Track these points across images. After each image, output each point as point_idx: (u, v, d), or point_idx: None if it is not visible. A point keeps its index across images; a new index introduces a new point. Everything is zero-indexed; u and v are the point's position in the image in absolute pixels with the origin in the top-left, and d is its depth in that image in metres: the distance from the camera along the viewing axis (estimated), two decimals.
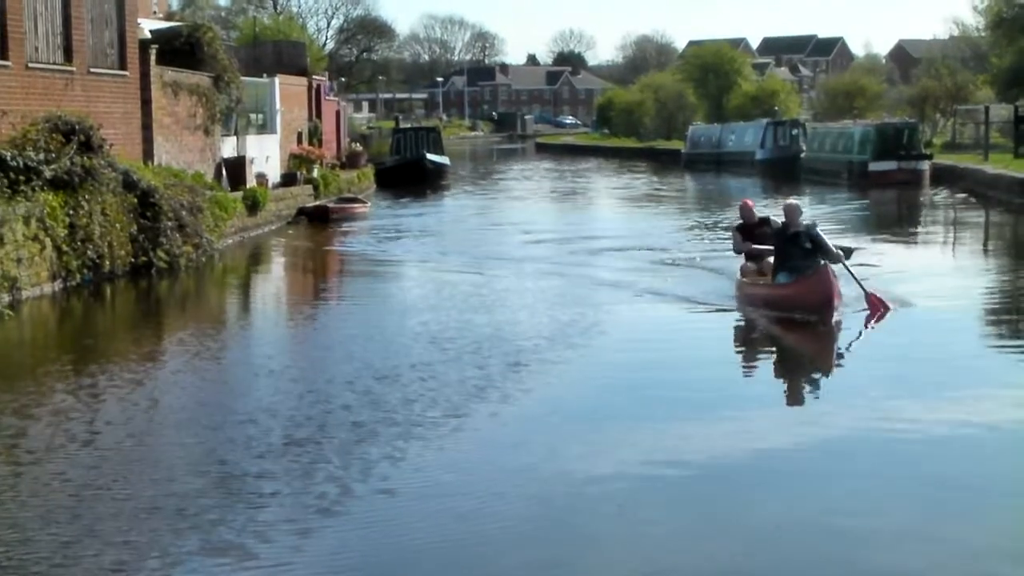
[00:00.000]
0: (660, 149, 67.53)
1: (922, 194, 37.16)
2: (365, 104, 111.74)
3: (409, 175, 44.40)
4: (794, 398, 11.11)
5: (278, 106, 33.58)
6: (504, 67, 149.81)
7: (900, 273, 17.99)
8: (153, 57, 23.46)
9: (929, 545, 6.88)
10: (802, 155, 47.91)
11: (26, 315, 15.30)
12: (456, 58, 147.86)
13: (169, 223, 19.29)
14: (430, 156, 46.26)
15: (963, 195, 35.40)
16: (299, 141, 36.04)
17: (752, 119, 58.77)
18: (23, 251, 15.84)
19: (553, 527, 7.18)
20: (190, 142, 25.56)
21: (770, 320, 14.12)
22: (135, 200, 18.82)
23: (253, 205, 25.78)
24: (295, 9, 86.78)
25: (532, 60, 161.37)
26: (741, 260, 15.83)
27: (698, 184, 47.51)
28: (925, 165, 40.40)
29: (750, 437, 8.99)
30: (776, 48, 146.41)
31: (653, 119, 78.00)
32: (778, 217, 15.40)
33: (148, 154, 22.90)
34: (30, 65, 18.97)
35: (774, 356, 13.27)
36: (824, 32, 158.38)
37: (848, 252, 15.06)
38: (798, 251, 14.24)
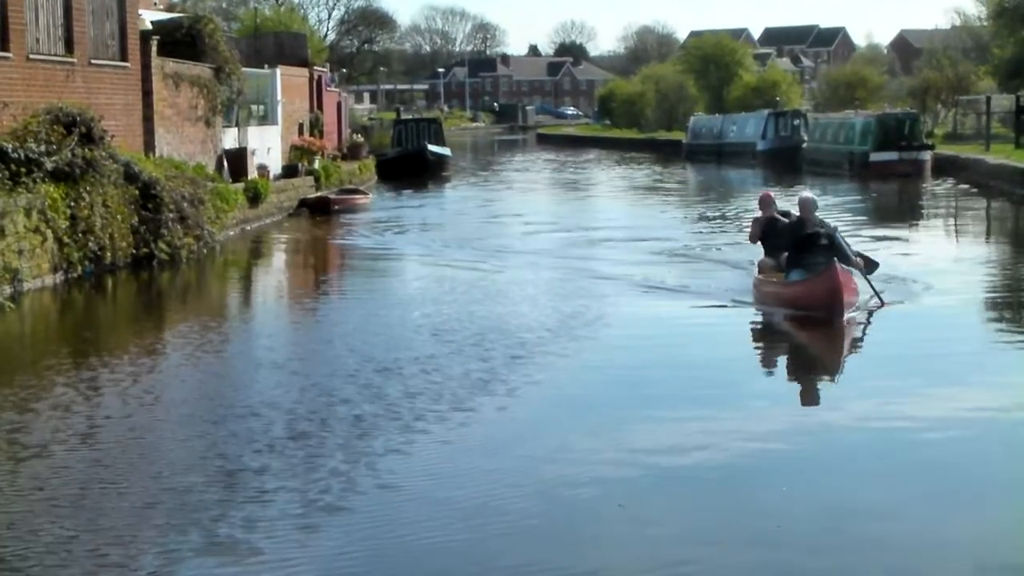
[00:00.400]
0: (661, 140, 67.43)
1: (923, 185, 37.08)
2: (366, 95, 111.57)
3: (410, 166, 44.40)
4: (798, 396, 11.00)
5: (279, 97, 33.52)
6: (505, 58, 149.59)
7: (904, 265, 17.88)
8: (154, 48, 23.41)
9: (935, 544, 6.85)
10: (803, 146, 47.74)
11: (27, 307, 15.28)
12: (457, 49, 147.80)
13: (170, 215, 19.25)
14: (431, 147, 46.25)
15: (965, 186, 35.32)
16: (300, 132, 35.99)
17: (753, 110, 58.59)
18: (24, 243, 15.82)
19: (556, 525, 7.14)
20: (191, 133, 25.51)
21: (780, 317, 14.01)
22: (136, 192, 18.78)
23: (254, 197, 25.76)
24: (296, 0, 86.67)
25: (533, 51, 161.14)
26: (759, 255, 15.50)
27: (699, 175, 47.41)
28: (926, 156, 40.30)
29: (753, 435, 8.93)
30: (777, 39, 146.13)
31: (654, 110, 77.93)
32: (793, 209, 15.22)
33: (149, 146, 22.87)
34: (31, 56, 18.92)
35: (780, 353, 13.14)
36: (825, 22, 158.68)
37: (873, 265, 14.81)
38: (813, 249, 14.00)
